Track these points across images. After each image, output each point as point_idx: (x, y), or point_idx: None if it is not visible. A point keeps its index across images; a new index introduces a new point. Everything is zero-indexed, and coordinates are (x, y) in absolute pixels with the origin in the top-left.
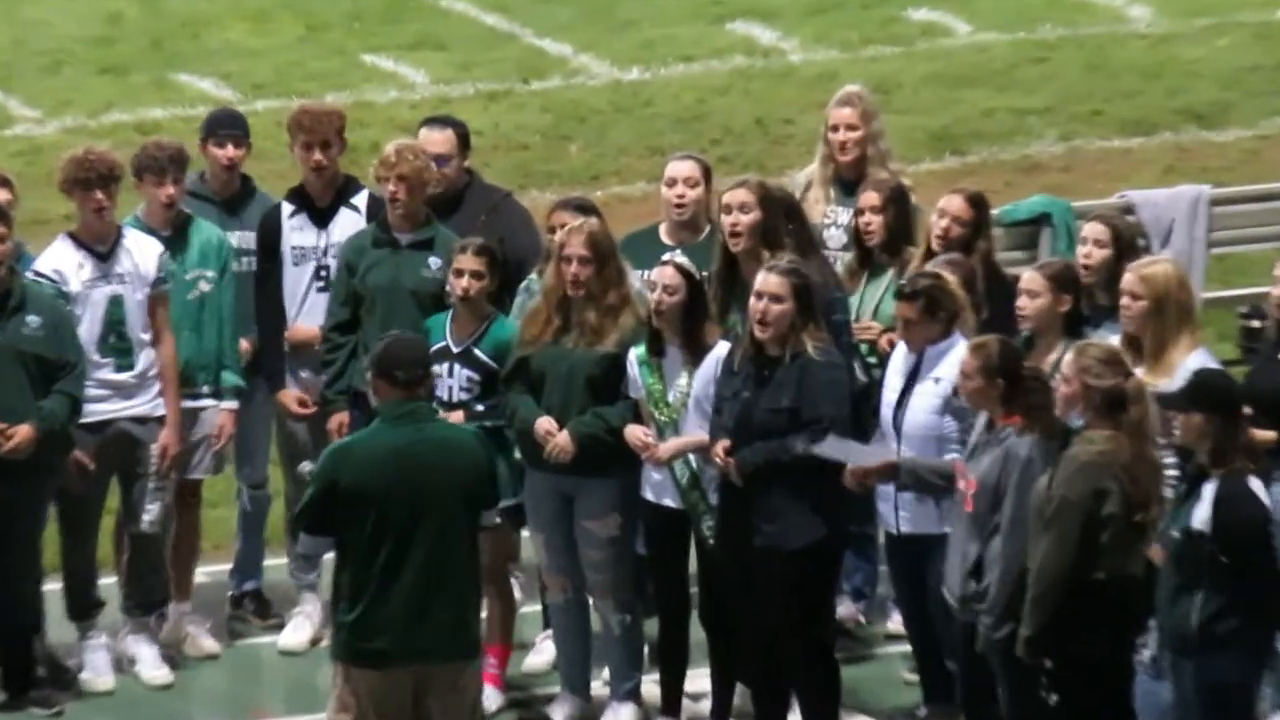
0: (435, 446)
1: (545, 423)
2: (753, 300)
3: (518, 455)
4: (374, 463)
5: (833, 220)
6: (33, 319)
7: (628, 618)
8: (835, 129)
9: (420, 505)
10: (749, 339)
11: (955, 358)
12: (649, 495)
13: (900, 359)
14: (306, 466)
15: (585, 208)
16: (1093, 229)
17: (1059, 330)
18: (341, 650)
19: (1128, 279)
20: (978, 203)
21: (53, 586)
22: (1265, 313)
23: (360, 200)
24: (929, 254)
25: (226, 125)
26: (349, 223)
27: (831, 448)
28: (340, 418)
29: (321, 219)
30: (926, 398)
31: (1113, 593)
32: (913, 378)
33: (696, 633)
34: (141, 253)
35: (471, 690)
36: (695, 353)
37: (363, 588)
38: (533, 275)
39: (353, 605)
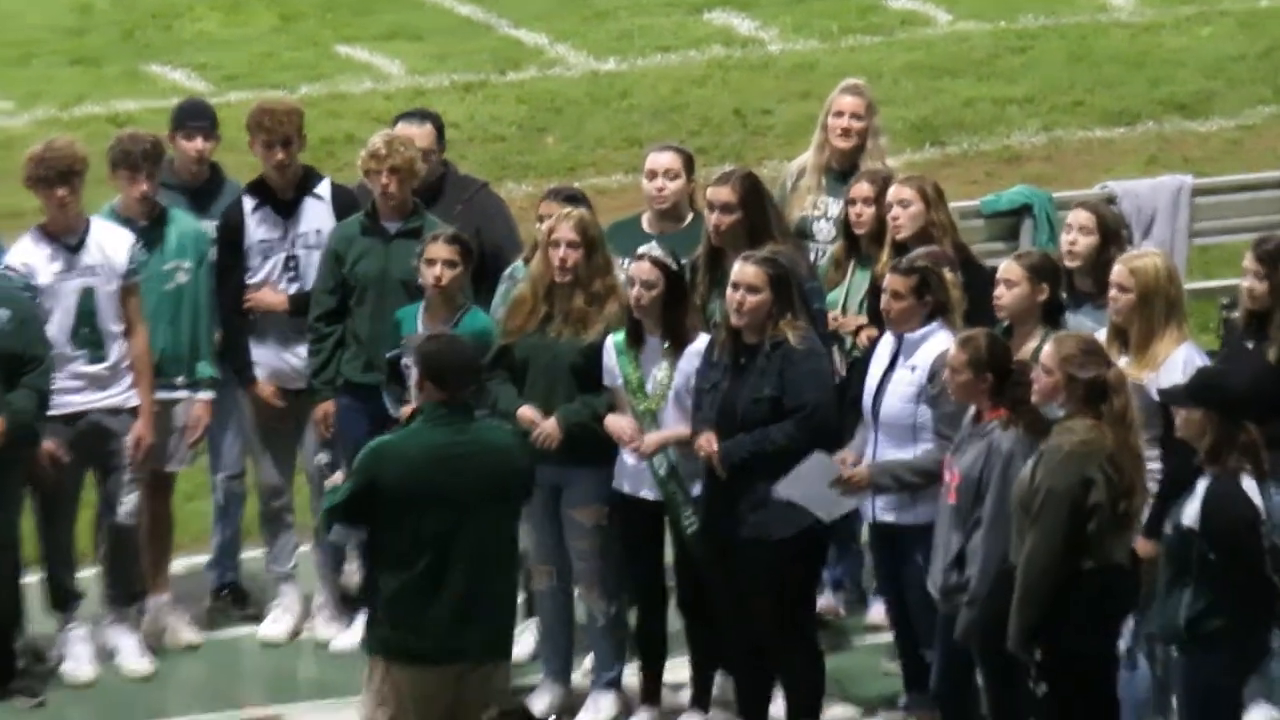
0: (476, 449)
1: (528, 411)
2: (729, 291)
3: None
4: (413, 463)
5: (822, 212)
6: (2, 313)
7: (613, 607)
8: (840, 114)
9: (461, 507)
10: (725, 328)
11: (933, 346)
12: (625, 487)
13: (884, 346)
14: (324, 458)
15: (575, 198)
16: (1077, 216)
17: (1037, 320)
18: (382, 647)
19: (1117, 270)
20: (915, 184)
21: (33, 578)
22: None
23: (324, 189)
24: (896, 246)
25: (194, 117)
26: (314, 212)
27: (790, 488)
28: (325, 407)
29: (286, 211)
30: (902, 385)
31: (1100, 583)
32: (893, 365)
33: (676, 623)
34: (112, 244)
35: (501, 688)
36: (676, 343)
37: (405, 587)
38: (518, 263)
39: (393, 604)
